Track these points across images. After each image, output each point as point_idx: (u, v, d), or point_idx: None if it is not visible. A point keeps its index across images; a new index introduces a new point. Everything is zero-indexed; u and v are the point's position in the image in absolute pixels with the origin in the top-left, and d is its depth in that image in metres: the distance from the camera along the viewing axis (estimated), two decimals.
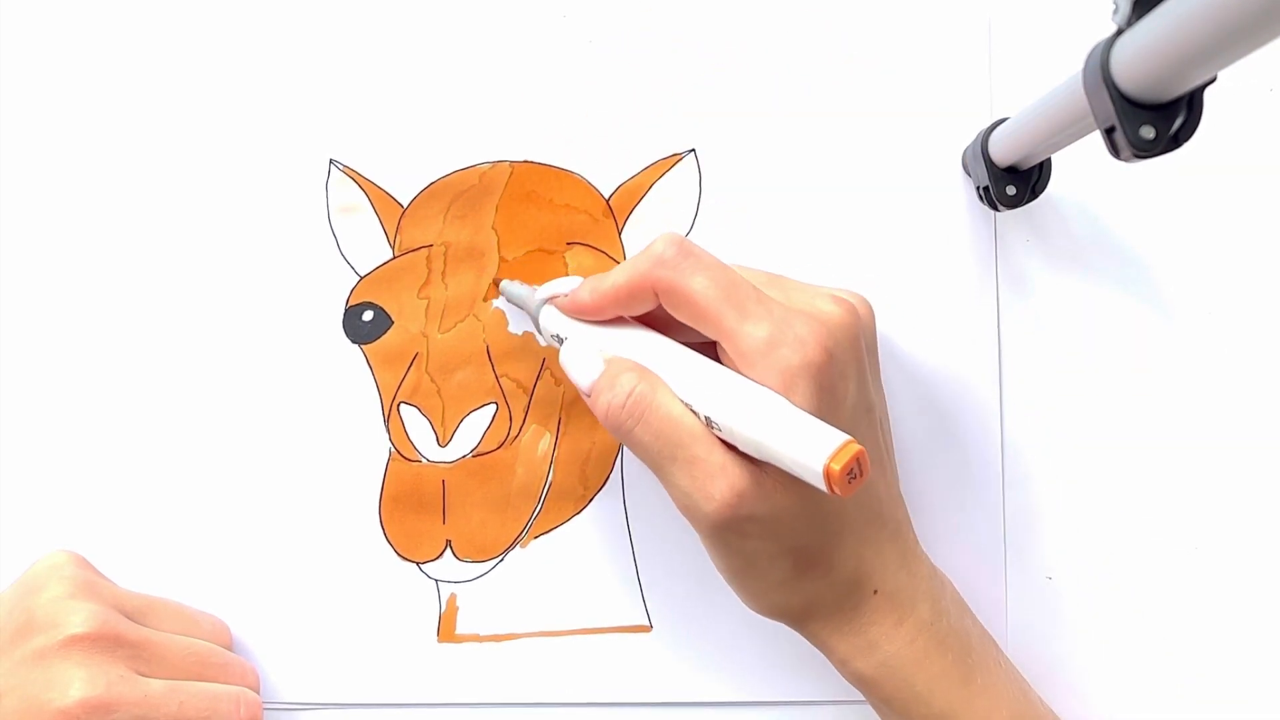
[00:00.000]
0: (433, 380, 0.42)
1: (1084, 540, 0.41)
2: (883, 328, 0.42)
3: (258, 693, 0.40)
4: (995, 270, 0.42)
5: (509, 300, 0.41)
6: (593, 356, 0.34)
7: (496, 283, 0.42)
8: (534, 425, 0.42)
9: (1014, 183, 0.39)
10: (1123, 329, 0.42)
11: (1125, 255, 0.42)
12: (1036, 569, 0.41)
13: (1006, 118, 0.38)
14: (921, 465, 0.41)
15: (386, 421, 0.42)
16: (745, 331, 0.31)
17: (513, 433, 0.42)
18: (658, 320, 0.35)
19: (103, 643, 0.35)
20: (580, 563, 0.41)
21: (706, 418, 0.31)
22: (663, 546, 0.41)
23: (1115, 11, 0.27)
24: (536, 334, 0.39)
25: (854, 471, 0.28)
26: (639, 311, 0.35)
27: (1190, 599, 0.40)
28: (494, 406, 0.42)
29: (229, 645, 0.40)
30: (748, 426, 0.30)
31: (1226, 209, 0.42)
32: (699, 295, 0.32)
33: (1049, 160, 0.38)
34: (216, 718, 0.36)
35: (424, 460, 0.42)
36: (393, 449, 0.42)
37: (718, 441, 0.31)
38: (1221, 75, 0.26)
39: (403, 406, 0.42)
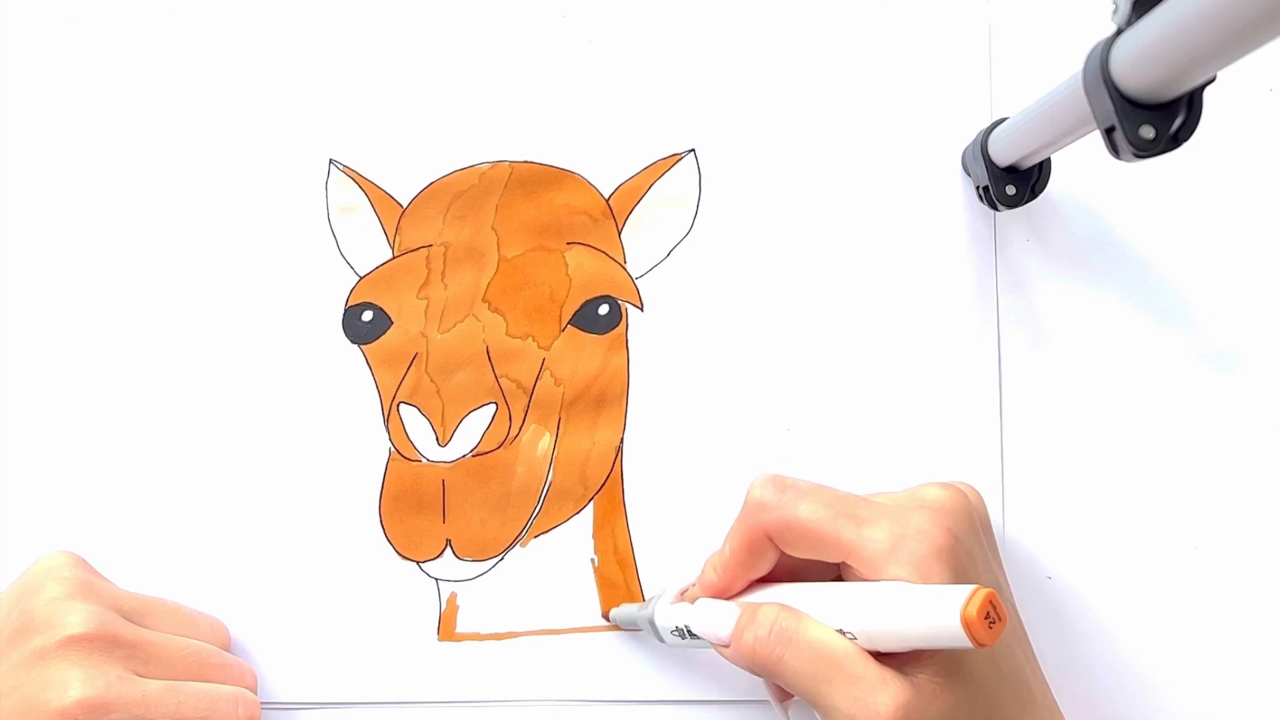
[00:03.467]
0: (432, 380, 0.42)
1: (1084, 540, 0.41)
2: (883, 327, 0.42)
3: (256, 693, 0.39)
4: (995, 270, 0.42)
5: (622, 627, 0.40)
6: (726, 606, 0.34)
7: (606, 617, 0.41)
8: (534, 425, 0.42)
9: (1014, 182, 0.39)
10: (1122, 329, 0.42)
11: (1125, 255, 0.42)
12: (1036, 569, 0.41)
13: (1006, 118, 0.38)
14: (921, 465, 0.41)
15: (386, 421, 0.42)
16: (866, 537, 0.31)
17: (512, 433, 0.42)
18: (779, 577, 0.35)
19: (100, 643, 0.35)
20: (580, 562, 0.41)
21: (840, 630, 0.31)
22: (663, 546, 0.41)
23: (1115, 11, 0.27)
24: (659, 640, 0.38)
25: (991, 615, 0.28)
26: (765, 568, 0.34)
27: (1190, 599, 0.40)
28: (494, 406, 0.42)
29: (227, 645, 0.40)
30: (887, 621, 0.30)
31: (1226, 209, 0.42)
32: (810, 520, 0.32)
33: (1049, 160, 0.38)
34: (214, 718, 0.36)
35: (424, 460, 0.42)
36: (393, 449, 0.42)
37: (869, 657, 0.31)
38: (1221, 75, 0.26)
39: (402, 406, 0.42)
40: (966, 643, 0.28)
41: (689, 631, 0.35)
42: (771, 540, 0.33)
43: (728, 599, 0.35)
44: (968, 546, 0.33)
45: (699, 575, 0.36)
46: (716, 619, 0.34)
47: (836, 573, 0.33)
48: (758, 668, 0.32)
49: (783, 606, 0.32)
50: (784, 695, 0.36)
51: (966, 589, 0.29)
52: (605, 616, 0.41)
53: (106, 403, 0.42)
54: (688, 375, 0.42)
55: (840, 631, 0.31)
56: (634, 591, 0.41)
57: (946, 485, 0.35)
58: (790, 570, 0.34)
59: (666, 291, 0.42)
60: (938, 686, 0.31)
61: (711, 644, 0.34)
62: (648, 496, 0.41)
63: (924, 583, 0.30)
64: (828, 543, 0.32)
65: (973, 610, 0.28)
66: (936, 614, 0.29)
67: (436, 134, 0.43)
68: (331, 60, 0.44)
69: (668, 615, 0.36)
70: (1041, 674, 0.36)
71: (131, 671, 0.35)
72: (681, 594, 0.36)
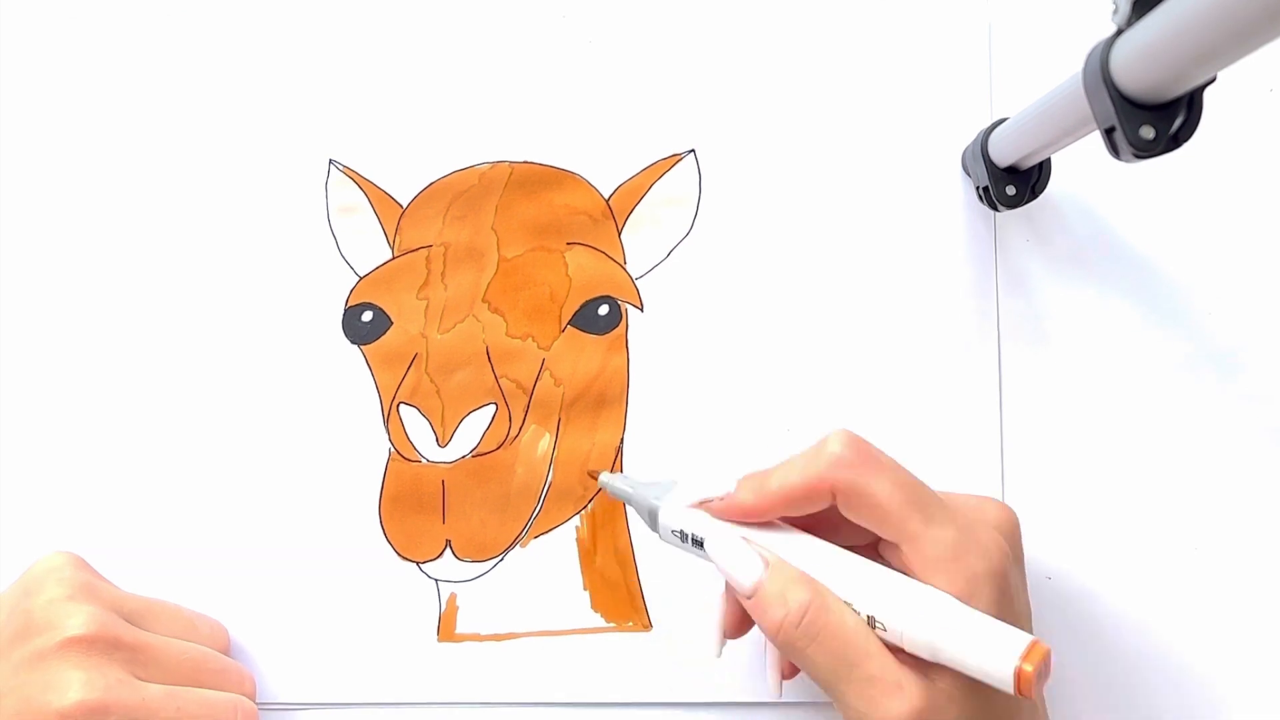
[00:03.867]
0: (432, 380, 0.42)
1: (1084, 540, 0.41)
2: (883, 328, 0.42)
3: (254, 699, 0.39)
4: (995, 270, 0.42)
5: (612, 495, 0.38)
6: (751, 555, 0.32)
7: (593, 475, 0.39)
8: (533, 426, 0.42)
9: (1014, 183, 0.39)
10: (1122, 329, 0.42)
11: (1125, 255, 0.42)
12: (1036, 569, 0.41)
13: (1006, 118, 0.38)
14: (921, 465, 0.41)
15: (386, 422, 0.42)
16: (932, 536, 0.31)
17: (512, 433, 0.42)
18: (804, 520, 0.33)
19: (100, 645, 0.35)
20: (579, 562, 0.41)
21: (870, 617, 0.31)
22: (663, 546, 0.41)
23: (1115, 11, 0.27)
24: (650, 528, 0.36)
25: (1044, 672, 0.28)
26: (804, 513, 0.33)
27: (1190, 599, 0.40)
28: (493, 407, 0.42)
29: (227, 648, 0.40)
30: (926, 631, 0.30)
31: (1226, 209, 0.42)
32: (885, 499, 0.31)
33: (1049, 160, 0.38)
34: None
35: (424, 460, 0.42)
36: (392, 449, 0.42)
37: (890, 656, 0.30)
38: (1221, 75, 0.26)
39: (402, 407, 0.42)
40: (1009, 687, 0.28)
41: (695, 541, 0.34)
42: (833, 495, 0.32)
43: (748, 522, 0.33)
44: (1014, 575, 0.33)
45: (730, 492, 0.34)
46: (740, 565, 0.32)
47: (874, 537, 0.33)
48: (777, 644, 0.32)
49: (810, 582, 0.32)
50: (790, 670, 0.35)
51: (1025, 639, 0.28)
52: (591, 474, 0.38)
53: (106, 402, 0.42)
54: (688, 375, 0.42)
55: (869, 619, 0.31)
56: (634, 592, 0.41)
57: (1003, 505, 0.35)
58: (828, 520, 0.33)
59: (666, 292, 0.42)
60: (954, 696, 0.30)
61: (725, 579, 0.33)
62: None
63: (969, 600, 0.30)
64: (891, 525, 0.31)
65: (1029, 667, 0.28)
66: (987, 651, 0.29)
67: (436, 134, 0.43)
68: (331, 60, 0.44)
69: (679, 517, 0.34)
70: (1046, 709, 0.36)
71: (131, 674, 0.35)
72: (702, 502, 0.34)
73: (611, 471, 0.41)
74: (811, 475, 0.32)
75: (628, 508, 0.41)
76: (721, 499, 0.34)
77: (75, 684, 0.33)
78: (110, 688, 0.34)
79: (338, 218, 0.43)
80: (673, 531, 0.35)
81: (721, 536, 0.33)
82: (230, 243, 0.43)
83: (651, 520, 0.35)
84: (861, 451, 0.32)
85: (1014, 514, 0.35)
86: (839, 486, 0.32)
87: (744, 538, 0.33)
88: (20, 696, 0.33)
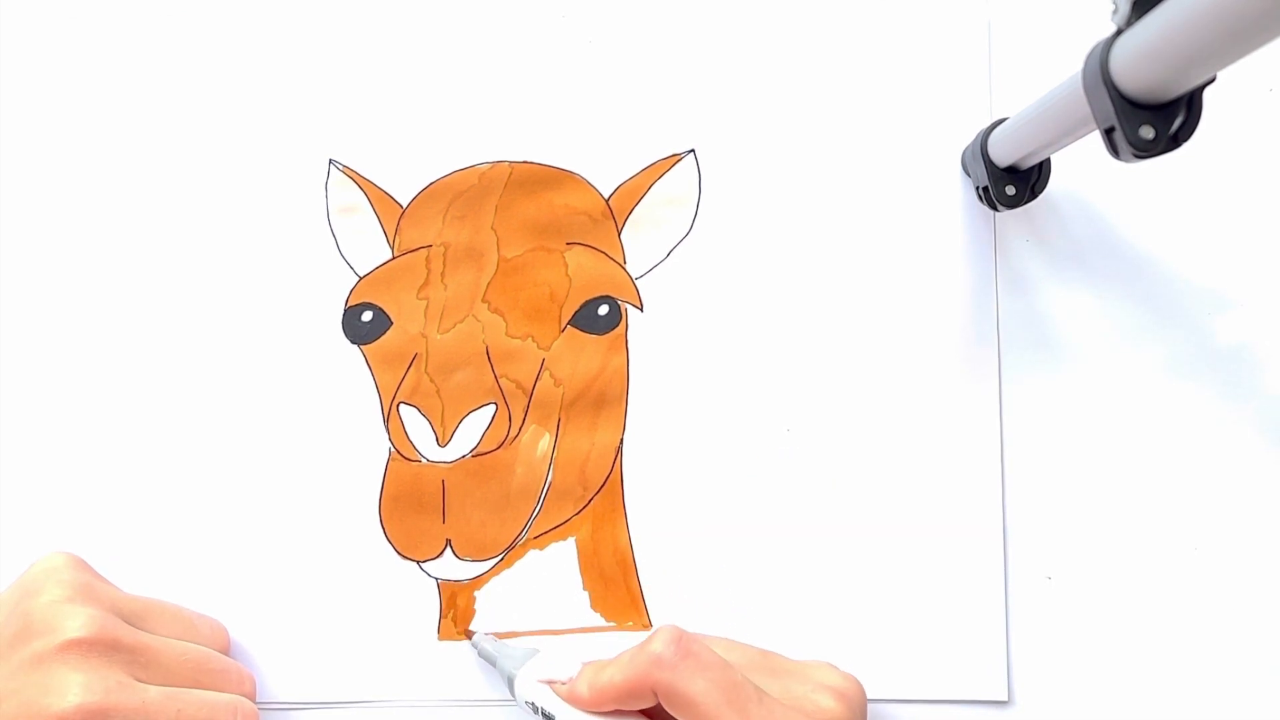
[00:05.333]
0: (432, 380, 0.42)
1: (1084, 540, 0.41)
2: (883, 327, 0.42)
3: (254, 699, 0.39)
4: (995, 270, 0.42)
5: (480, 656, 0.40)
6: None
7: (468, 633, 0.40)
8: (533, 425, 0.42)
9: (1013, 183, 0.39)
10: (1122, 329, 0.42)
11: (1124, 255, 0.42)
12: (1036, 569, 0.41)
13: (1006, 118, 0.38)
14: (921, 465, 0.41)
15: (386, 421, 0.42)
16: None
17: (512, 433, 0.42)
18: (658, 713, 0.34)
19: (100, 647, 0.34)
20: (579, 562, 0.41)
21: None
22: (663, 546, 0.41)
23: (1115, 11, 0.27)
24: (509, 693, 0.38)
25: None
26: (638, 708, 0.34)
27: (1190, 599, 0.40)
28: (493, 407, 0.42)
29: (227, 648, 0.40)
30: None
31: (1226, 209, 0.42)
32: (701, 698, 0.32)
33: (1048, 160, 0.38)
34: None
35: (424, 460, 0.42)
36: (392, 449, 0.42)
37: None
38: (1221, 75, 0.26)
39: (402, 407, 0.42)
40: None
41: (546, 716, 0.36)
42: (654, 694, 0.33)
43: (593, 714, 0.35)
44: None
45: (573, 681, 0.36)
46: None
47: None
48: None
49: None
50: None
51: None
52: (466, 633, 0.41)
53: (106, 402, 0.42)
54: (688, 375, 0.42)
55: None
56: (634, 592, 0.41)
57: (839, 693, 0.35)
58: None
59: (666, 292, 0.42)
60: None
61: None
62: (647, 497, 0.41)
63: None
64: None
65: None
66: None
67: (436, 134, 0.43)
68: (331, 60, 0.44)
69: (530, 689, 0.37)
70: None
71: (131, 677, 0.35)
72: (550, 681, 0.36)
73: (609, 475, 0.41)
74: (632, 675, 0.33)
75: (627, 508, 0.41)
76: (565, 684, 0.36)
77: (75, 687, 0.33)
78: (110, 691, 0.34)
79: (338, 218, 0.43)
80: (526, 703, 0.37)
81: None
82: (230, 243, 0.43)
83: (509, 685, 0.38)
84: (682, 650, 0.33)
85: (858, 686, 0.35)
86: (658, 686, 0.33)
87: None
88: (20, 700, 0.33)
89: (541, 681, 0.37)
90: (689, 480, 0.41)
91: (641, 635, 0.41)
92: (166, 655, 0.36)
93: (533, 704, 0.37)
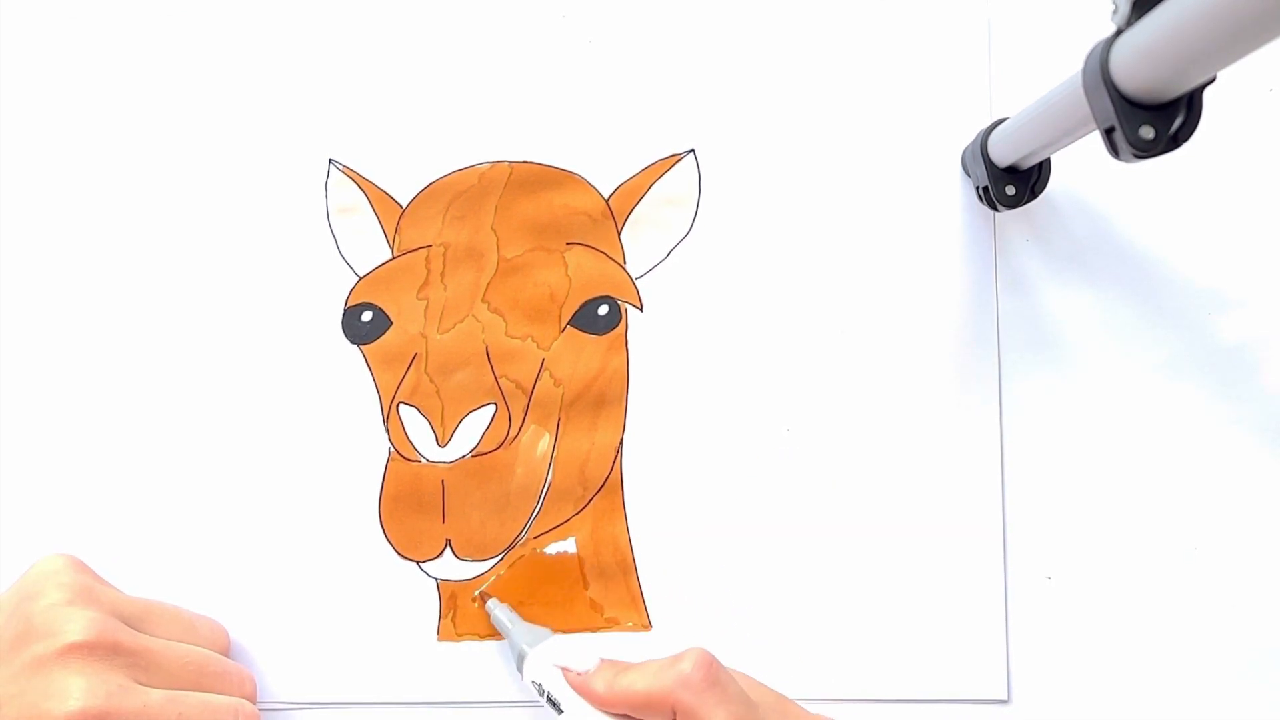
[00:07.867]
0: (432, 380, 0.42)
1: (1084, 540, 0.41)
2: (883, 327, 0.42)
3: (255, 700, 0.39)
4: (995, 270, 0.42)
5: (492, 622, 0.40)
6: None
7: (483, 598, 0.41)
8: (533, 426, 0.42)
9: (1013, 183, 0.39)
10: (1122, 329, 0.42)
11: (1124, 255, 0.42)
12: (1036, 569, 0.41)
13: (1006, 118, 0.38)
14: (921, 465, 0.41)
15: (386, 422, 0.42)
16: None
17: (512, 433, 0.42)
18: None
19: (101, 651, 0.34)
20: (579, 562, 0.41)
21: None
22: (663, 546, 0.41)
23: (1115, 11, 0.27)
24: (516, 667, 0.38)
25: None
26: (650, 719, 0.34)
27: (1189, 599, 0.40)
28: (493, 407, 0.42)
29: (227, 650, 0.40)
30: None
31: (1226, 209, 0.42)
32: None
33: (1048, 160, 0.38)
34: None
35: (423, 460, 0.42)
36: (392, 449, 0.42)
37: None
38: (1221, 75, 0.26)
39: (402, 407, 0.42)
40: None
41: (551, 701, 0.36)
42: (673, 712, 0.33)
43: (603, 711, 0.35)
44: None
45: (589, 670, 0.35)
46: None
47: None
48: None
49: None
50: None
51: None
52: (479, 597, 0.40)
53: (106, 403, 0.42)
54: (688, 375, 0.42)
55: None
56: (634, 592, 0.41)
57: None
58: None
59: (666, 292, 0.42)
60: None
61: None
62: (647, 497, 0.41)
63: None
64: None
65: None
66: None
67: (436, 134, 0.43)
68: (331, 60, 0.44)
69: (541, 670, 0.36)
70: None
71: (132, 680, 0.35)
72: (565, 668, 0.36)
73: (609, 475, 0.41)
74: (656, 688, 0.33)
75: (627, 508, 0.41)
76: (579, 674, 0.36)
77: (76, 691, 0.33)
78: (112, 694, 0.34)
79: (337, 218, 0.43)
80: (533, 682, 0.37)
81: (576, 715, 0.35)
82: (230, 243, 0.43)
83: (519, 661, 0.38)
84: (709, 676, 0.33)
85: None
86: (680, 706, 0.33)
87: None
88: (21, 704, 0.33)
89: (556, 666, 0.36)
90: (689, 480, 0.41)
91: (641, 635, 0.41)
92: (167, 658, 0.36)
93: (539, 685, 0.36)
